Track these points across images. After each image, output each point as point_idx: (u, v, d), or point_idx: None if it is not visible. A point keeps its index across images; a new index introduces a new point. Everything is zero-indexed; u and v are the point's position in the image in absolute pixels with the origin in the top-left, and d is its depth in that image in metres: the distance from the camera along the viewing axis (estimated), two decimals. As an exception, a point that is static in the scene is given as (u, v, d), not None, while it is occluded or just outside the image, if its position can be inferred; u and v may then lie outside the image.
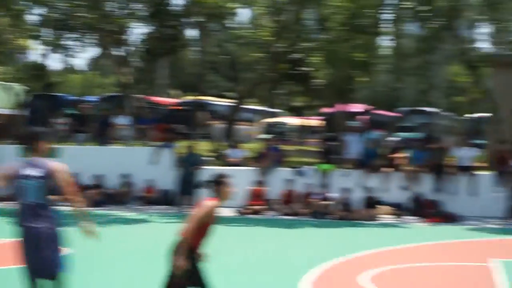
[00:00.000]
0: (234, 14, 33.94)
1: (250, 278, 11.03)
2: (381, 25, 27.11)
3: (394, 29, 28.33)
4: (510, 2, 26.39)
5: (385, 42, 34.16)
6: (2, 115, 33.52)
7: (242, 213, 20.55)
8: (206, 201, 7.31)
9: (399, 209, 20.94)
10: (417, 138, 27.22)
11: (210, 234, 7.34)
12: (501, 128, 24.76)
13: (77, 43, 34.65)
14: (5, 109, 33.94)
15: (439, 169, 21.38)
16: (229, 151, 24.66)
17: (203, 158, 23.50)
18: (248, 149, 25.84)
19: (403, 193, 21.45)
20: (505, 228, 18.53)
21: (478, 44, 53.12)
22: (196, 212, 7.20)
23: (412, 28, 31.94)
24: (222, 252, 12.40)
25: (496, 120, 25.13)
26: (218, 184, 7.36)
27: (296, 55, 32.65)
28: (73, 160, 23.67)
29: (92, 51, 39.96)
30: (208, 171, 22.39)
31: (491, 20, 29.23)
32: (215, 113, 35.71)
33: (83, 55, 74.08)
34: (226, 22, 33.78)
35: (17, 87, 35.80)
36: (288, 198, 21.03)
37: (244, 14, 63.30)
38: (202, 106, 30.63)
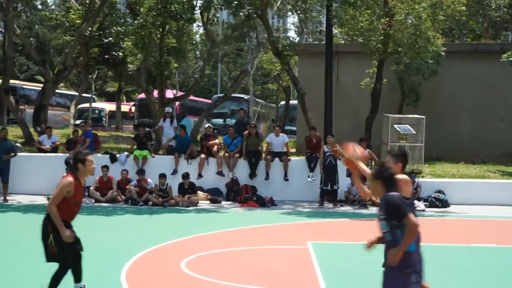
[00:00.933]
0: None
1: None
2: (193, 12, 27.12)
3: (206, 16, 28.41)
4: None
5: (197, 29, 34.26)
6: None
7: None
8: (65, 177, 8.24)
9: (216, 195, 21.15)
10: (231, 124, 27.59)
11: (78, 206, 8.37)
12: (309, 115, 25.66)
13: None
14: None
15: (253, 154, 21.78)
16: (40, 137, 23.75)
17: (14, 144, 22.41)
18: (61, 134, 25.04)
19: (219, 178, 21.68)
20: (318, 212, 19.20)
21: (287, 33, 54.95)
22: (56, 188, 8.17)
23: (223, 16, 32.30)
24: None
25: (304, 107, 25.99)
26: (78, 162, 8.24)
27: (108, 40, 32.08)
28: None
29: None
30: (21, 157, 21.55)
31: (297, 11, 30.12)
32: (25, 98, 34.43)
33: None
34: (35, 3, 32.43)
35: None
36: (104, 185, 20.53)
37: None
38: (11, 90, 29.24)
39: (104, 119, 42.91)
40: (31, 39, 39.57)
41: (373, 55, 25.54)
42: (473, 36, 41.92)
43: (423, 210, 19.77)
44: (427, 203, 20.53)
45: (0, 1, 26.81)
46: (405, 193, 7.24)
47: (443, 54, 25.61)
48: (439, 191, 21.29)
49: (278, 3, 31.72)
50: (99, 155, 22.18)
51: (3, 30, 28.36)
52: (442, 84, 28.53)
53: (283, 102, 43.69)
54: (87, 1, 28.31)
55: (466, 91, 29.20)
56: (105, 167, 20.83)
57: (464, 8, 26.25)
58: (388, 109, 26.24)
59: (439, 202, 20.72)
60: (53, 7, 39.53)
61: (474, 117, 29.26)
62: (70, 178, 8.21)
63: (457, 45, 33.25)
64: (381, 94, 26.22)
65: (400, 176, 7.36)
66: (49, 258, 8.23)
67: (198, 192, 20.80)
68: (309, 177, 21.15)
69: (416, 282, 6.40)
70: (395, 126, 23.79)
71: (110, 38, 32.00)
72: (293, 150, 25.83)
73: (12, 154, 20.85)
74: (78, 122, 32.52)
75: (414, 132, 23.69)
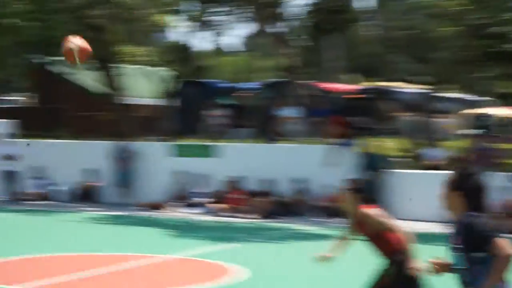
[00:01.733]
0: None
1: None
2: None
3: None
4: None
5: None
6: (145, 106, 33.31)
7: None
8: None
9: None
10: None
11: None
12: None
13: (227, 18, 33.98)
14: (148, 99, 33.75)
15: None
16: (424, 151, 23.52)
17: (390, 158, 22.22)
18: (447, 148, 24.33)
19: None
20: None
21: None
22: None
23: None
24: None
25: None
26: None
27: (500, 29, 30.90)
28: (235, 161, 23.23)
29: (247, 28, 39.37)
30: (398, 174, 21.12)
31: None
32: (403, 103, 34.19)
33: (236, 32, 74.05)
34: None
35: (162, 72, 35.53)
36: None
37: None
38: (386, 94, 29.32)
39: (498, 128, 41.53)
40: (407, 32, 39.68)
41: None
42: None
43: None
44: None
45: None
46: None
47: None
48: None
49: None
50: (497, 173, 20.75)
51: (375, 23, 28.44)
52: None
53: None
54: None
55: None
56: (506, 189, 19.68)
57: None
58: None
59: None
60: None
61: None
62: None
63: None
64: None
65: None
66: None
67: None
68: None
69: None
70: None
71: (502, 27, 30.83)
72: None
73: (384, 169, 20.86)
74: (468, 132, 31.57)
75: None
